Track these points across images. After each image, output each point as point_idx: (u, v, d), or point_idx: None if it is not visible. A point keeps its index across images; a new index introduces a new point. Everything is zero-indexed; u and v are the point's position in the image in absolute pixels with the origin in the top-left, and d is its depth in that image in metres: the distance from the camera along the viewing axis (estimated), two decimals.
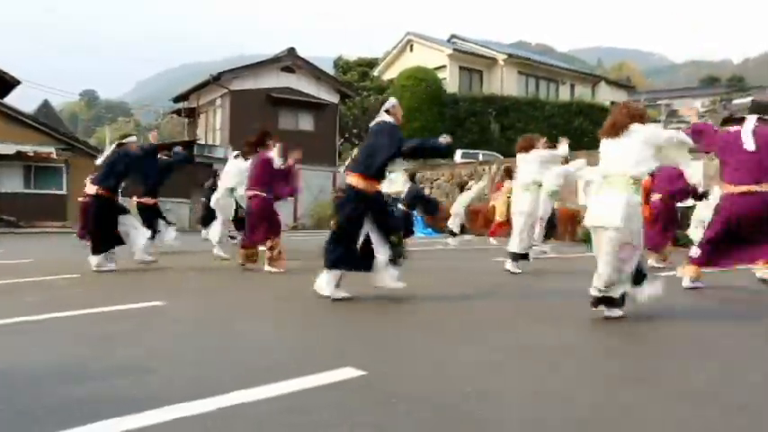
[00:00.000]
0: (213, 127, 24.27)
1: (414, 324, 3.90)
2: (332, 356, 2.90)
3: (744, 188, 4.87)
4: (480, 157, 20.85)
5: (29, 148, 19.33)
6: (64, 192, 20.75)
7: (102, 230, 6.72)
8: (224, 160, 20.28)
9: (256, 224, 6.72)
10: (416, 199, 10.90)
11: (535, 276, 6.55)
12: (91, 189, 6.75)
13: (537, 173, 6.65)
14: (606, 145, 3.96)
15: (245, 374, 2.57)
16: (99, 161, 6.96)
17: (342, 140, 27.42)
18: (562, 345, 3.26)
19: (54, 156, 19.77)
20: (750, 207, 4.87)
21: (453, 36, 31.64)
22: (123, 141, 6.88)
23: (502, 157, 20.82)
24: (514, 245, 6.69)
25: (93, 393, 2.32)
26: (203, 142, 23.66)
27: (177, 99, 27.29)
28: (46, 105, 34.44)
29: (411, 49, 30.05)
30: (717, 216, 5.14)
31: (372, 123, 4.92)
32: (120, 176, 6.84)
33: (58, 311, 4.07)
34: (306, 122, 23.87)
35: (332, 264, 4.59)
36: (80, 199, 8.57)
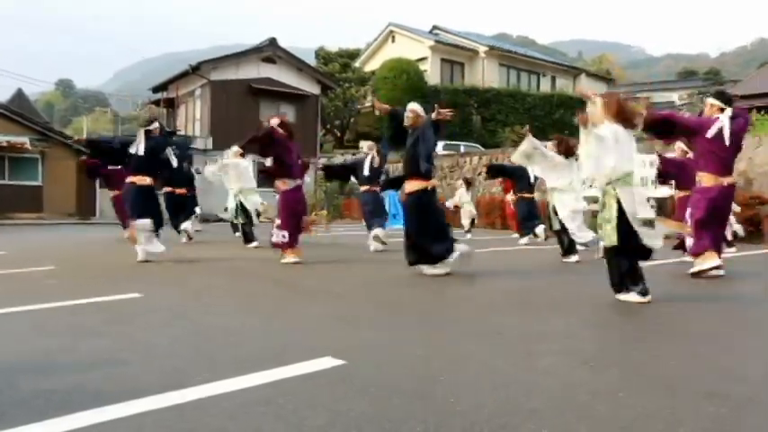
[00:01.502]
0: (193, 117, 23.97)
1: (393, 313, 3.90)
2: (311, 346, 2.89)
3: None
4: (462, 149, 20.91)
5: (2, 139, 18.90)
6: (39, 183, 20.36)
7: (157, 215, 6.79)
8: (204, 151, 20.11)
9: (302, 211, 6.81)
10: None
11: (521, 265, 6.59)
12: (143, 180, 6.57)
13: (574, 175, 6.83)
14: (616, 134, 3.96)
15: (222, 365, 2.54)
16: (135, 150, 6.62)
17: (323, 132, 27.29)
18: (540, 331, 3.29)
19: (28, 146, 19.36)
20: None
21: (435, 27, 31.61)
22: (150, 128, 6.67)
23: (483, 149, 20.90)
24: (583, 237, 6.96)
25: (65, 386, 2.27)
26: (183, 133, 23.36)
27: (156, 89, 26.88)
28: (20, 95, 33.57)
29: (393, 41, 29.96)
30: None
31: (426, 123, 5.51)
32: (161, 164, 6.93)
33: (30, 304, 3.98)
34: (287, 113, 23.64)
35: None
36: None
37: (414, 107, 5.59)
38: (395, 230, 13.36)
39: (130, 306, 4.03)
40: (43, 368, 2.54)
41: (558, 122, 24.68)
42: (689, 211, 5.56)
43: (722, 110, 5.23)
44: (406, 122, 5.54)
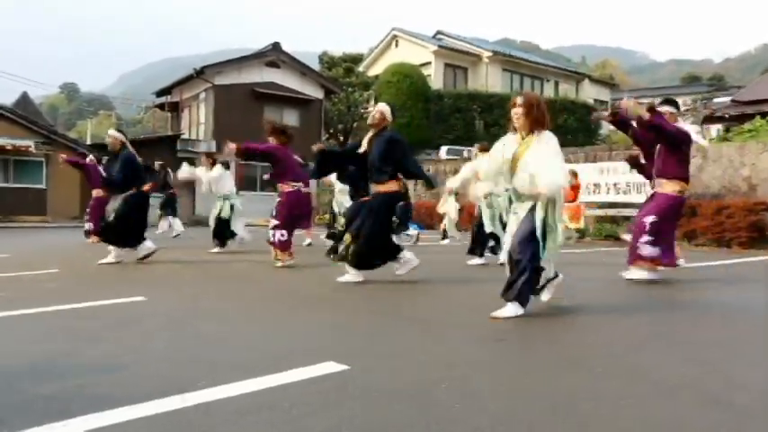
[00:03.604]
0: (197, 121, 24.05)
1: (393, 319, 3.90)
2: (313, 351, 2.88)
3: None
4: (465, 154, 20.92)
5: (7, 142, 19.01)
6: (43, 186, 20.45)
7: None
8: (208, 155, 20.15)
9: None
10: None
11: None
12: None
13: None
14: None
15: (224, 370, 2.54)
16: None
17: (327, 136, 27.34)
18: (542, 338, 3.29)
19: (33, 149, 19.47)
20: None
21: (439, 32, 31.70)
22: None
23: None
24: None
25: (64, 390, 2.27)
26: (187, 137, 23.47)
27: (160, 93, 27.02)
28: (25, 98, 33.76)
29: (396, 45, 30.05)
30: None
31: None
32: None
33: (31, 307, 3.99)
34: (290, 118, 23.74)
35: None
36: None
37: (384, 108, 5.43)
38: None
39: (133, 310, 4.04)
40: (44, 372, 2.54)
41: (561, 128, 24.69)
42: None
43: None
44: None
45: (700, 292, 5.15)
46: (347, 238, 5.39)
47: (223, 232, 9.06)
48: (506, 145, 3.93)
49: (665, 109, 5.48)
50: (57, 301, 4.21)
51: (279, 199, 6.87)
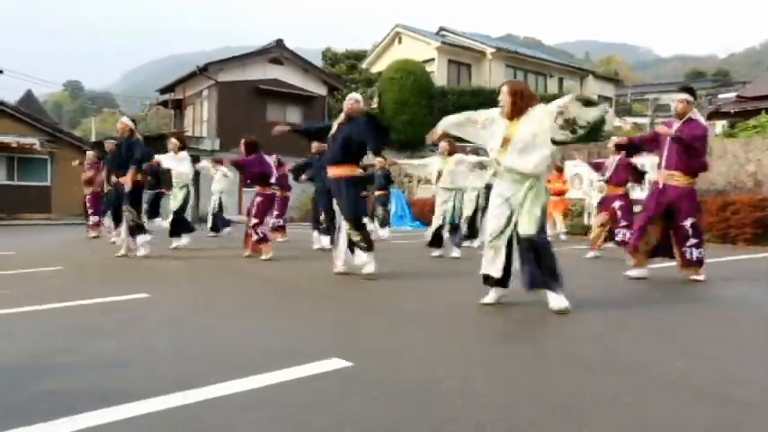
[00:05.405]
0: (200, 119, 24.07)
1: (395, 315, 3.91)
2: (316, 348, 2.90)
3: None
4: (468, 149, 20.88)
5: (11, 139, 19.09)
6: (48, 183, 20.53)
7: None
8: (211, 152, 20.20)
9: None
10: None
11: None
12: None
13: None
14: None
15: (227, 367, 2.55)
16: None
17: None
18: (543, 334, 3.29)
19: (37, 147, 19.56)
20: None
21: (442, 29, 31.56)
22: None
23: None
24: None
25: (67, 387, 2.29)
26: (190, 134, 23.48)
27: (164, 90, 27.03)
28: (29, 96, 33.83)
29: (399, 42, 29.96)
30: None
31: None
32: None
33: (36, 304, 4.02)
34: (294, 115, 23.74)
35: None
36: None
37: (355, 96, 5.72)
38: (403, 231, 13.40)
39: (137, 307, 4.06)
40: (48, 369, 2.57)
41: None
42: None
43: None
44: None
45: (700, 287, 5.14)
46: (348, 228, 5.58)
47: (181, 223, 9.03)
48: (495, 122, 4.07)
49: (681, 96, 5.32)
50: (62, 298, 4.23)
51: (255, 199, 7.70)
